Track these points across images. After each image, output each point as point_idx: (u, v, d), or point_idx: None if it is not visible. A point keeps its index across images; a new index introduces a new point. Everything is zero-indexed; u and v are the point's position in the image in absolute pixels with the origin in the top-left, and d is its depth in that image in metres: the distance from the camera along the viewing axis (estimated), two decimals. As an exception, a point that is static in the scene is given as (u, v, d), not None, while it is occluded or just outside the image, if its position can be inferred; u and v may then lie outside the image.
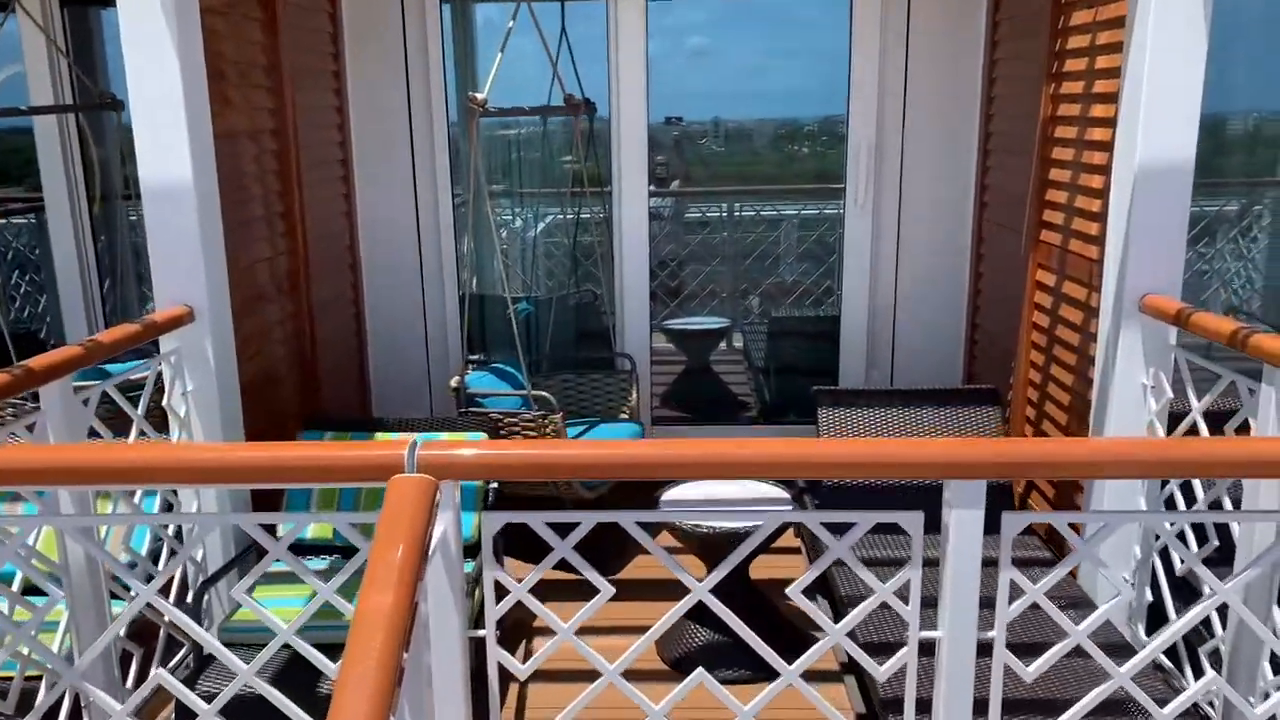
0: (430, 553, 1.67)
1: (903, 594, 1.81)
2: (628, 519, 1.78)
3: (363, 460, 1.71)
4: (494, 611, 1.81)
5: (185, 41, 3.03)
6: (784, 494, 3.49)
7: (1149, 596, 3.01)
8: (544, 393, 3.93)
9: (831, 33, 4.77)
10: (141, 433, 2.93)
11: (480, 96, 3.65)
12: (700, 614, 3.40)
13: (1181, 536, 2.86)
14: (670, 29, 4.86)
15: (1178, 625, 1.76)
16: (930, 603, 1.82)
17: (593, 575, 1.82)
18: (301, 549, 3.41)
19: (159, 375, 3.06)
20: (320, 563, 3.39)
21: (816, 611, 1.84)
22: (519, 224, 5.65)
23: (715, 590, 1.80)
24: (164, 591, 3.11)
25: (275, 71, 3.89)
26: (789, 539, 4.28)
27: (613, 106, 4.75)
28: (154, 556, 3.19)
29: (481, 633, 1.83)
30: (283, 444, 1.81)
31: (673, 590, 1.83)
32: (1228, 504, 2.64)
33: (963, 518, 1.71)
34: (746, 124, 6.41)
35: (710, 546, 3.28)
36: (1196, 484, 2.80)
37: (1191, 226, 3.02)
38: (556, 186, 5.17)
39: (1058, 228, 3.77)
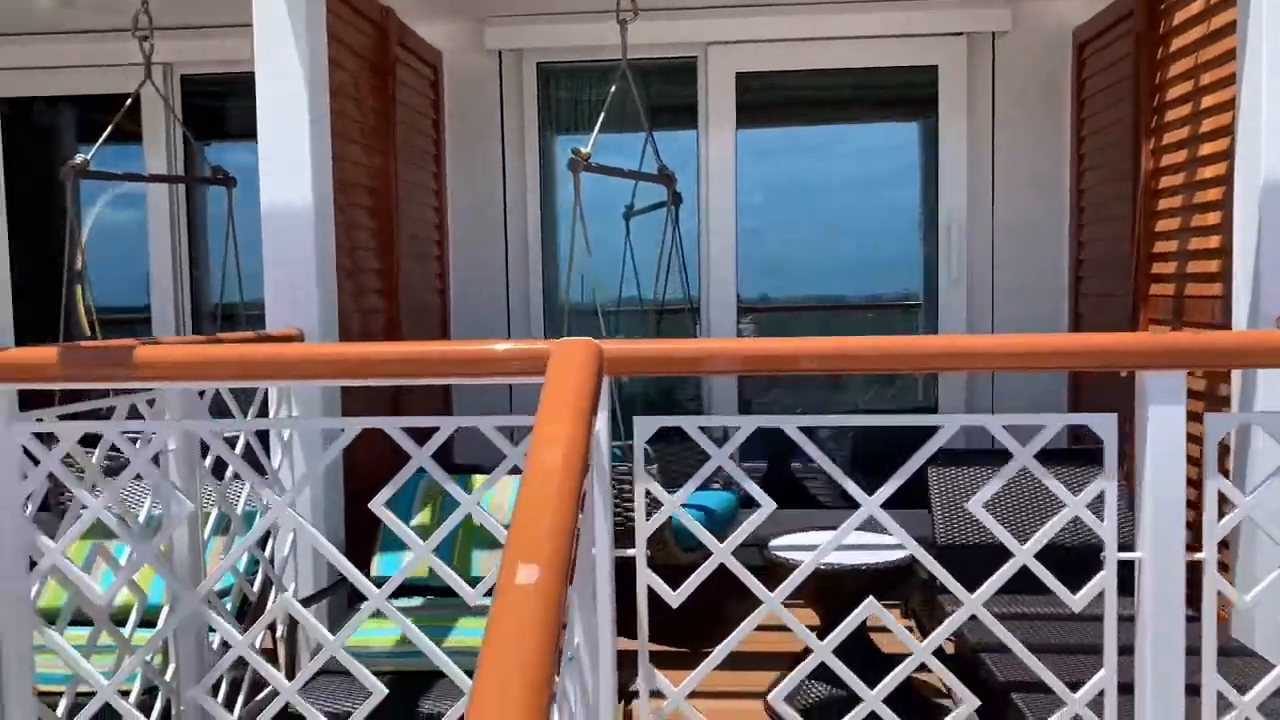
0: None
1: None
2: (790, 423, 1.66)
3: (514, 354, 1.64)
4: (644, 527, 1.68)
5: (314, 74, 3.18)
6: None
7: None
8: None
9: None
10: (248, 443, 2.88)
11: (585, 150, 3.75)
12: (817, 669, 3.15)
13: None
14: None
15: None
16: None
17: (750, 486, 1.69)
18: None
19: (265, 394, 3.03)
20: (416, 601, 3.23)
21: (954, 579, 1.67)
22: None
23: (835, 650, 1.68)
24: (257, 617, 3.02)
25: (383, 135, 4.05)
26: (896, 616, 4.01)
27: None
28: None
29: (630, 552, 1.69)
30: (428, 342, 1.74)
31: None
32: None
33: (1164, 415, 1.57)
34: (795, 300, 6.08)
35: (829, 587, 3.07)
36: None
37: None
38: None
39: (1169, 278, 3.68)
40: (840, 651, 3.18)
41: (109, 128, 4.11)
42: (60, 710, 2.06)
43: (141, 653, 1.86)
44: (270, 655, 2.98)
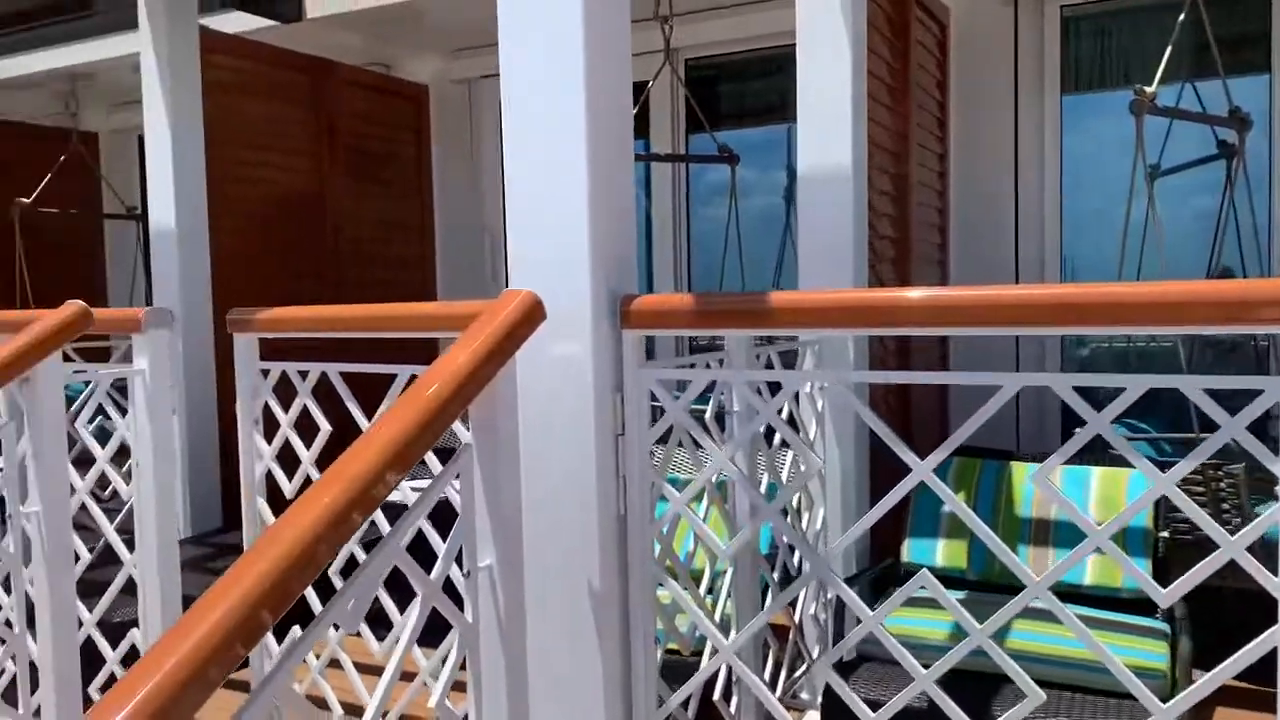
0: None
1: None
2: None
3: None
4: None
5: (856, 35, 3.04)
6: None
7: None
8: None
9: None
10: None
11: (1150, 90, 3.23)
12: None
13: None
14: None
15: None
16: None
17: None
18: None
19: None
20: (957, 595, 2.98)
21: None
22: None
23: None
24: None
25: (900, 97, 3.82)
26: None
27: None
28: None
29: None
30: (1094, 285, 1.45)
31: None
32: None
33: None
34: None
35: None
36: None
37: None
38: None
39: None
40: None
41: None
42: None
43: (766, 612, 1.77)
44: (782, 632, 2.89)
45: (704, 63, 5.29)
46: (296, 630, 2.37)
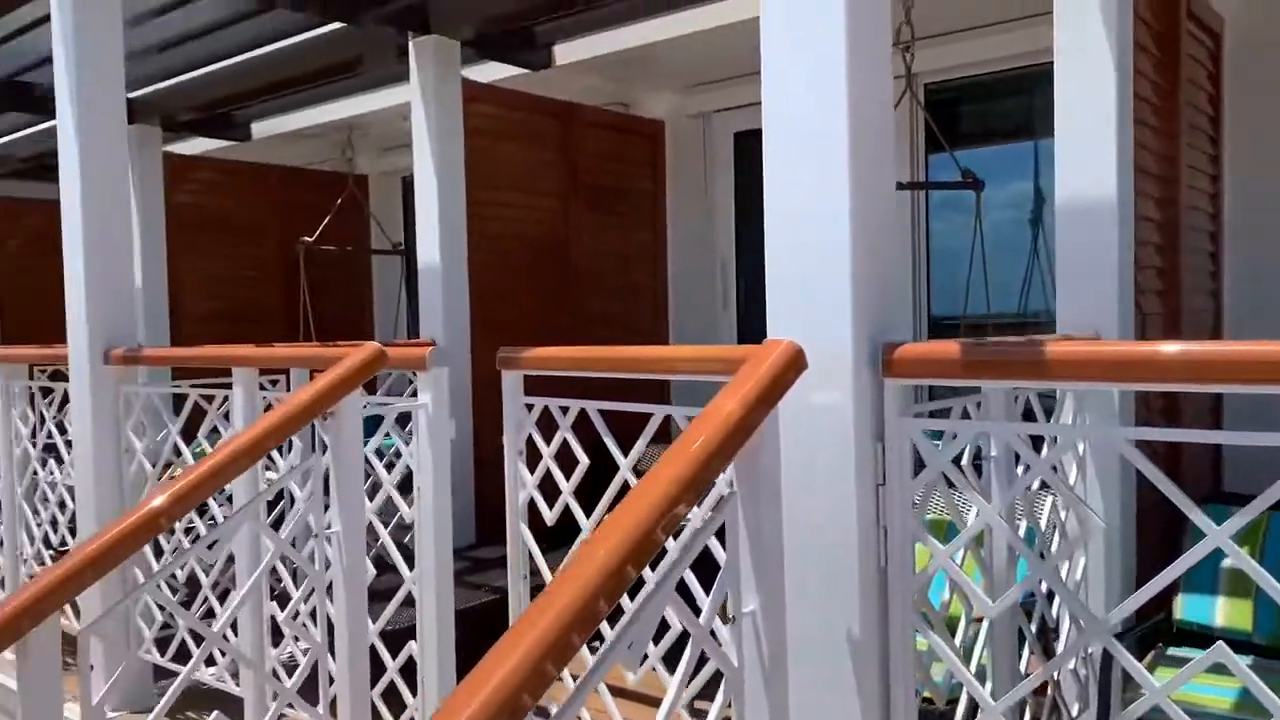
0: None
1: None
2: None
3: None
4: None
5: (1121, 55, 2.89)
6: None
7: None
8: None
9: None
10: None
11: None
12: None
13: None
14: None
15: None
16: None
17: None
18: (1191, 636, 2.79)
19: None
20: (1243, 660, 2.72)
21: None
22: None
23: None
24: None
25: (1168, 116, 3.56)
26: None
27: None
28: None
29: None
30: None
31: None
32: None
33: None
34: None
35: None
36: None
37: None
38: None
39: None
40: None
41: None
42: None
43: (1036, 677, 1.71)
44: (1040, 685, 2.73)
45: (943, 85, 5.15)
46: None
